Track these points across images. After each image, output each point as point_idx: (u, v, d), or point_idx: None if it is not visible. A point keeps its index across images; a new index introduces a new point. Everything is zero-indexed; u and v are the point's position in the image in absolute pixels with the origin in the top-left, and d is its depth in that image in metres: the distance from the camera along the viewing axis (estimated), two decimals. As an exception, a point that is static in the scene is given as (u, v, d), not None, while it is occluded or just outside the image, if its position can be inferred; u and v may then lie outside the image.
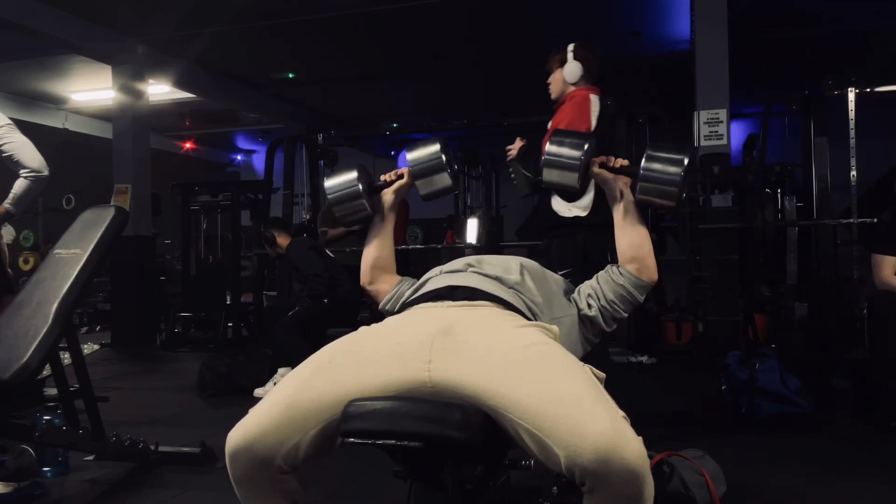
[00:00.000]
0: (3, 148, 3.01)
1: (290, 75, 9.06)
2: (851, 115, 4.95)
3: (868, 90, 5.00)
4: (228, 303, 6.97)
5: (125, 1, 6.40)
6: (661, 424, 3.35)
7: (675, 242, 8.06)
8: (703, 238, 5.43)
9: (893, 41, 7.21)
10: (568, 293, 1.74)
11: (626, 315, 1.73)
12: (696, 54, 5.60)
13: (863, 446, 3.07)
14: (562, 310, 1.67)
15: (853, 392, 3.50)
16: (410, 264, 6.85)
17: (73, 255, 2.55)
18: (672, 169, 1.65)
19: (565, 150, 1.75)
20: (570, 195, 2.89)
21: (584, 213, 2.91)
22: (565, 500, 2.03)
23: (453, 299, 1.52)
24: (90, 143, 10.15)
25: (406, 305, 1.61)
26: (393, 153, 12.00)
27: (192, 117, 10.81)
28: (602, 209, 2.91)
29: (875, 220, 4.18)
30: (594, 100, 2.94)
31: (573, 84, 3.00)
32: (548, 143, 1.78)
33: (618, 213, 1.76)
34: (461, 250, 5.93)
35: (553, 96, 3.06)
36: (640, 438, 1.16)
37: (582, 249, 2.88)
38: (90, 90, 9.12)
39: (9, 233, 7.45)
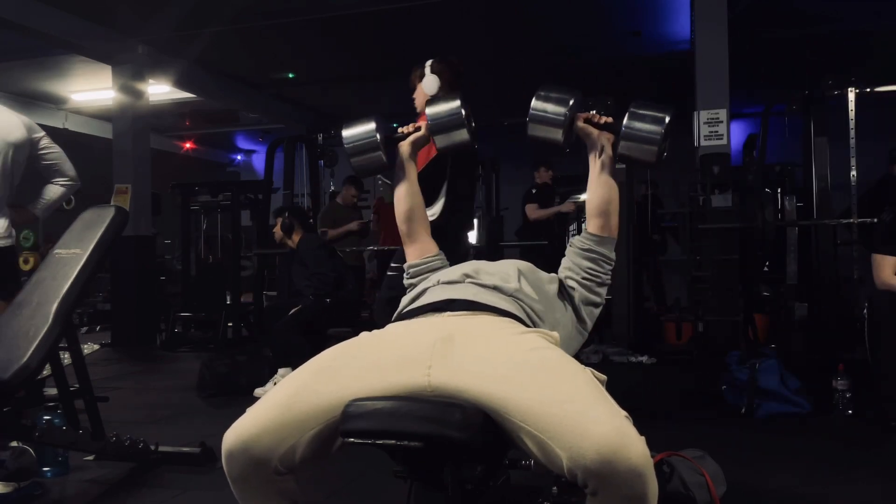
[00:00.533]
0: (46, 157, 2.99)
1: (290, 75, 9.06)
2: (851, 115, 4.94)
3: (868, 90, 4.99)
4: (228, 303, 6.97)
5: (125, 1, 6.40)
6: (661, 424, 3.35)
7: (675, 242, 8.08)
8: (703, 238, 5.43)
9: (893, 41, 7.21)
10: (559, 289, 1.74)
11: (607, 277, 1.78)
12: (696, 54, 5.60)
13: (863, 446, 3.07)
14: (560, 310, 1.67)
15: (853, 392, 3.50)
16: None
17: (73, 255, 2.55)
18: (653, 127, 1.68)
19: (550, 106, 1.77)
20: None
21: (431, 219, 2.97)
22: (565, 500, 2.03)
23: (452, 311, 1.51)
24: (90, 143, 10.15)
25: (404, 316, 1.60)
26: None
27: (192, 117, 10.80)
28: (447, 218, 2.93)
29: (875, 220, 4.18)
30: None
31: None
32: (533, 99, 1.79)
33: (595, 166, 1.80)
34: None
35: (418, 110, 3.17)
36: (643, 438, 1.15)
37: None
38: (90, 90, 9.12)
39: None
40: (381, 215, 7.01)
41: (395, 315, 1.70)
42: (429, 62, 3.14)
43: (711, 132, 5.34)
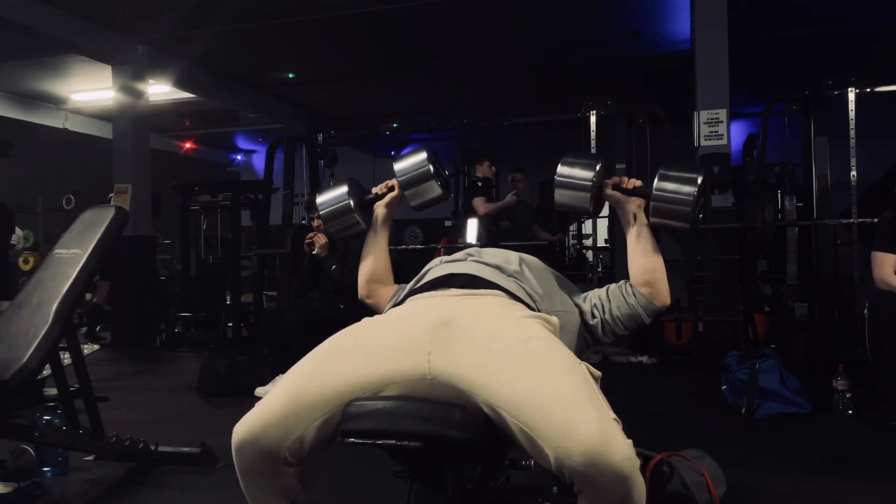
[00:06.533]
0: None
1: (290, 75, 9.06)
2: (851, 115, 4.94)
3: (868, 90, 4.99)
4: (228, 303, 6.97)
5: (125, 1, 6.40)
6: (661, 424, 3.35)
7: (675, 242, 8.07)
8: (703, 238, 5.43)
9: (893, 41, 7.21)
10: (573, 293, 1.73)
11: (626, 332, 1.70)
12: (696, 54, 5.60)
13: (863, 446, 3.06)
14: (562, 304, 1.67)
15: (853, 392, 3.50)
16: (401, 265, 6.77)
17: (73, 255, 2.55)
18: (686, 188, 1.61)
19: (577, 171, 1.70)
20: None
21: None
22: (565, 500, 2.03)
23: (453, 286, 1.54)
24: (90, 143, 10.15)
25: (408, 295, 1.64)
26: (393, 153, 12.00)
27: (192, 117, 10.81)
28: None
29: (875, 219, 4.18)
30: None
31: None
32: (559, 165, 1.73)
33: (631, 236, 1.72)
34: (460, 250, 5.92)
35: None
36: (630, 442, 1.17)
37: None
38: (90, 90, 9.11)
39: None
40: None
41: (401, 295, 1.71)
42: None
43: (711, 132, 5.34)
